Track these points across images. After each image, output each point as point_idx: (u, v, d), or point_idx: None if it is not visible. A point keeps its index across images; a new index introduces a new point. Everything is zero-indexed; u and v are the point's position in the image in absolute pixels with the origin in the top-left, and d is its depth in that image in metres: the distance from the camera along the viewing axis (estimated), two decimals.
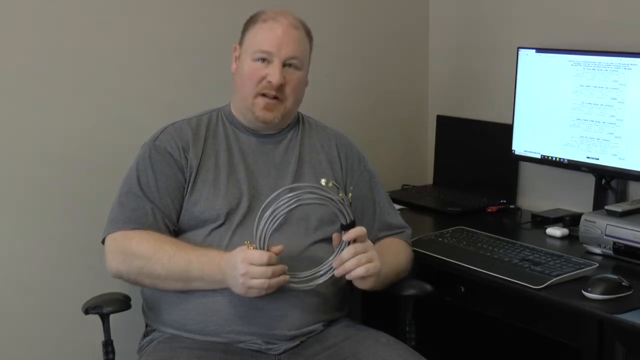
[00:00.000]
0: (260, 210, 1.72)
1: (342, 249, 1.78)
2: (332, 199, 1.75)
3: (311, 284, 1.78)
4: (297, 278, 1.77)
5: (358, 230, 1.78)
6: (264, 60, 1.93)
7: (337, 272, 1.77)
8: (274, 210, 1.71)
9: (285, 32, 1.93)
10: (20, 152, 2.23)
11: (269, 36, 1.92)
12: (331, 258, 1.79)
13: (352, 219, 1.79)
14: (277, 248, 1.73)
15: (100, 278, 2.00)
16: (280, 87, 1.93)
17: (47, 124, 2.26)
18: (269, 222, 1.71)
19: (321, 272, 1.79)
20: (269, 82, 1.91)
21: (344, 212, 1.77)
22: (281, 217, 1.72)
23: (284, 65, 1.93)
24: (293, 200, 1.72)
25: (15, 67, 2.20)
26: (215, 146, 1.98)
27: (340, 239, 1.79)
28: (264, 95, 1.94)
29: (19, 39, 2.19)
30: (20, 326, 2.28)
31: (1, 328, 2.25)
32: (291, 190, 1.74)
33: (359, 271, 1.77)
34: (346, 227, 1.78)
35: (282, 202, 1.71)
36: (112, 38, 2.33)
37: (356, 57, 2.83)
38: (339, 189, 1.80)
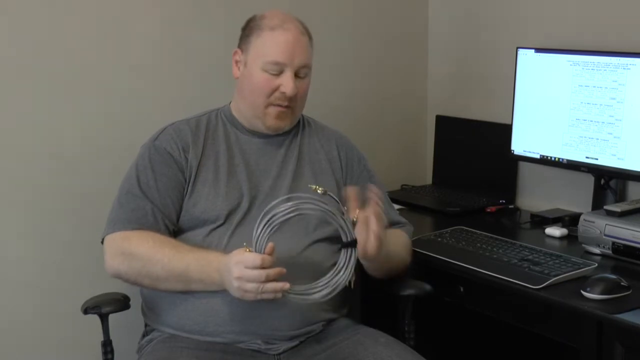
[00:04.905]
0: (262, 215, 1.72)
1: (341, 264, 1.77)
2: (332, 213, 1.74)
3: (304, 299, 1.75)
4: (293, 290, 1.74)
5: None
6: (275, 70, 1.91)
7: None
8: (272, 216, 1.71)
9: (296, 40, 1.91)
10: (20, 152, 2.23)
11: (281, 47, 1.90)
12: (329, 274, 1.77)
13: (354, 237, 1.77)
14: (268, 247, 1.71)
15: (100, 278, 1.99)
16: (292, 96, 1.92)
17: (46, 124, 2.26)
18: (266, 227, 1.71)
19: (317, 290, 1.76)
20: (283, 92, 1.91)
21: (345, 228, 1.76)
22: (278, 224, 1.71)
23: (295, 74, 1.92)
24: (292, 209, 1.71)
25: (15, 68, 2.20)
26: (215, 147, 1.98)
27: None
28: (276, 105, 1.93)
29: (20, 39, 2.19)
30: (19, 326, 2.28)
31: (1, 328, 2.25)
32: (291, 199, 1.73)
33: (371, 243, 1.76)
34: (346, 245, 1.77)
35: (281, 209, 1.71)
36: (111, 38, 2.33)
37: (355, 57, 2.83)
38: (338, 202, 1.79)
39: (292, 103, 1.94)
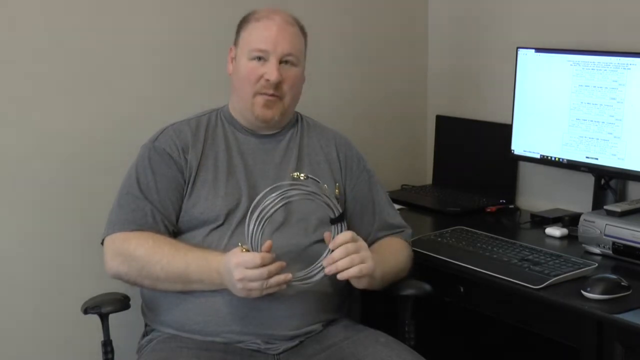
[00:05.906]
0: (250, 211, 1.73)
1: (331, 250, 1.78)
2: (316, 193, 1.76)
3: (307, 282, 1.78)
4: (295, 278, 1.76)
5: (342, 238, 1.77)
6: (260, 58, 1.92)
7: (328, 270, 1.76)
8: (261, 211, 1.72)
9: (280, 29, 1.93)
10: (20, 151, 2.23)
11: (264, 34, 1.92)
12: (323, 256, 1.79)
13: (340, 211, 1.80)
14: (265, 245, 1.72)
15: (100, 278, 1.99)
16: (278, 85, 1.93)
17: (46, 124, 2.26)
18: (258, 222, 1.71)
19: (315, 271, 1.78)
20: (267, 80, 1.91)
21: (331, 205, 1.78)
22: (269, 217, 1.72)
23: (281, 62, 1.92)
24: (279, 199, 1.72)
25: (15, 67, 2.20)
26: (214, 147, 1.98)
27: (331, 237, 1.79)
28: (262, 94, 1.94)
29: (20, 39, 2.19)
30: (20, 326, 2.28)
31: (0, 328, 2.25)
32: (275, 189, 1.74)
33: (353, 271, 1.76)
34: (335, 221, 1.79)
35: (268, 202, 1.72)
36: (112, 38, 2.32)
37: (355, 57, 2.83)
38: (318, 182, 1.80)
39: (279, 92, 1.94)
